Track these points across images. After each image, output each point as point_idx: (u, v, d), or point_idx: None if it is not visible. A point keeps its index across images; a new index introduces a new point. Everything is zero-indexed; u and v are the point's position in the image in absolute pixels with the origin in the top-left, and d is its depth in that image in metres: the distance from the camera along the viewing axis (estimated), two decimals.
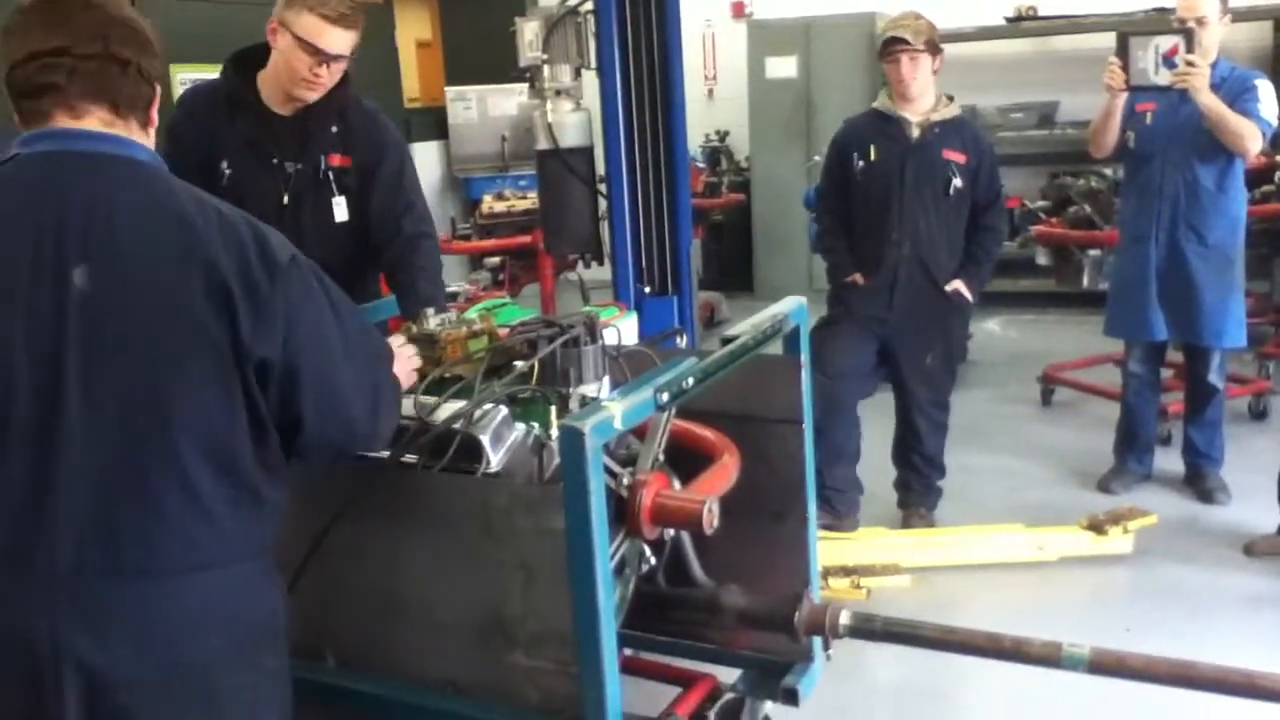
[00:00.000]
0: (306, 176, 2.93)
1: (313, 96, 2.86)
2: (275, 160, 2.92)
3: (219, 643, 1.59)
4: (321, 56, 2.76)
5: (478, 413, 2.01)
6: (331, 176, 2.95)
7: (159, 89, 1.69)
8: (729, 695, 2.41)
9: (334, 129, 2.96)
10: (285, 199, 2.91)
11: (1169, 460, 4.66)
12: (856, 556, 3.90)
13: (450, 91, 8.51)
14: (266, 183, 2.91)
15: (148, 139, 1.67)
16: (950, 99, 4.13)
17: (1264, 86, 4.10)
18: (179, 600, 1.56)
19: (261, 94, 2.92)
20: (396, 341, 2.14)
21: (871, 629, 2.23)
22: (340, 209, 2.96)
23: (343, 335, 1.67)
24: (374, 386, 1.75)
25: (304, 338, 1.59)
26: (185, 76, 5.92)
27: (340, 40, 2.78)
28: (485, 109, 8.39)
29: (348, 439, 1.74)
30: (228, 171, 2.87)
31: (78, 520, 1.50)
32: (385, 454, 1.97)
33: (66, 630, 1.50)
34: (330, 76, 2.82)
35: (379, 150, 3.01)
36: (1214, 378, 4.38)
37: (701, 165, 8.45)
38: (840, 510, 4.14)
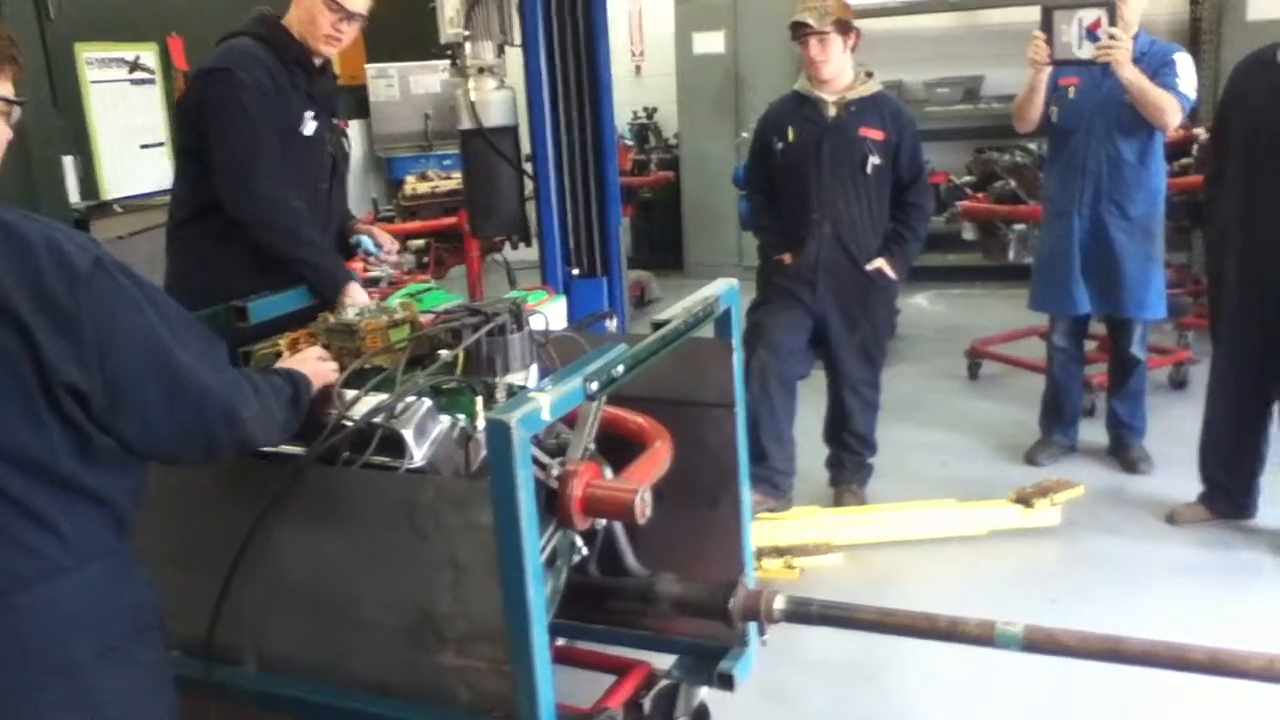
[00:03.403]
0: (337, 129, 3.20)
1: (331, 51, 3.08)
2: (323, 114, 3.13)
3: (85, 644, 1.56)
4: (344, 13, 3.00)
5: (400, 405, 1.95)
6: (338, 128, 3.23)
7: None
8: (664, 682, 2.40)
9: (332, 83, 3.26)
10: (332, 148, 3.16)
11: (1094, 432, 4.73)
12: (789, 536, 3.90)
13: (371, 69, 8.32)
14: (327, 134, 3.13)
15: None
16: (869, 75, 4.13)
17: (1183, 60, 4.15)
18: (33, 612, 1.51)
19: None
20: (311, 350, 2.11)
21: (807, 613, 2.22)
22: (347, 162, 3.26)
23: (168, 328, 1.59)
24: (217, 375, 1.66)
25: (124, 340, 1.52)
26: (92, 56, 5.71)
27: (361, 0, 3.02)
28: (407, 87, 8.23)
29: (207, 435, 1.65)
30: (313, 123, 3.06)
31: None
32: (301, 450, 1.91)
33: None
34: (348, 35, 3.05)
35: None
36: (1136, 349, 4.45)
37: (630, 143, 8.39)
38: (782, 490, 4.14)
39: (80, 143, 5.66)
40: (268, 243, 2.94)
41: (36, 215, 1.56)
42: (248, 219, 2.94)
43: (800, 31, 3.95)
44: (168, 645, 1.72)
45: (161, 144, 6.12)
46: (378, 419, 1.92)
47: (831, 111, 4.03)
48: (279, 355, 2.27)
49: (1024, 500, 4.03)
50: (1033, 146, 6.21)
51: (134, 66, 6.01)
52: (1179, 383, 5.47)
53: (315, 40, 3.04)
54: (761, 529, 3.80)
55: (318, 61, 3.12)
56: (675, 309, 2.26)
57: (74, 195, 5.58)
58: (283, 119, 2.99)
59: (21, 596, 1.50)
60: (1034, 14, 4.27)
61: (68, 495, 1.53)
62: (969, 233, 6.40)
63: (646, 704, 2.35)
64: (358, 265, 3.39)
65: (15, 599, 1.50)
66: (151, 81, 6.15)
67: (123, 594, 1.62)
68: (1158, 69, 4.10)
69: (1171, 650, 2.08)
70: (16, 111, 1.61)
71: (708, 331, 2.38)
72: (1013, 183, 6.10)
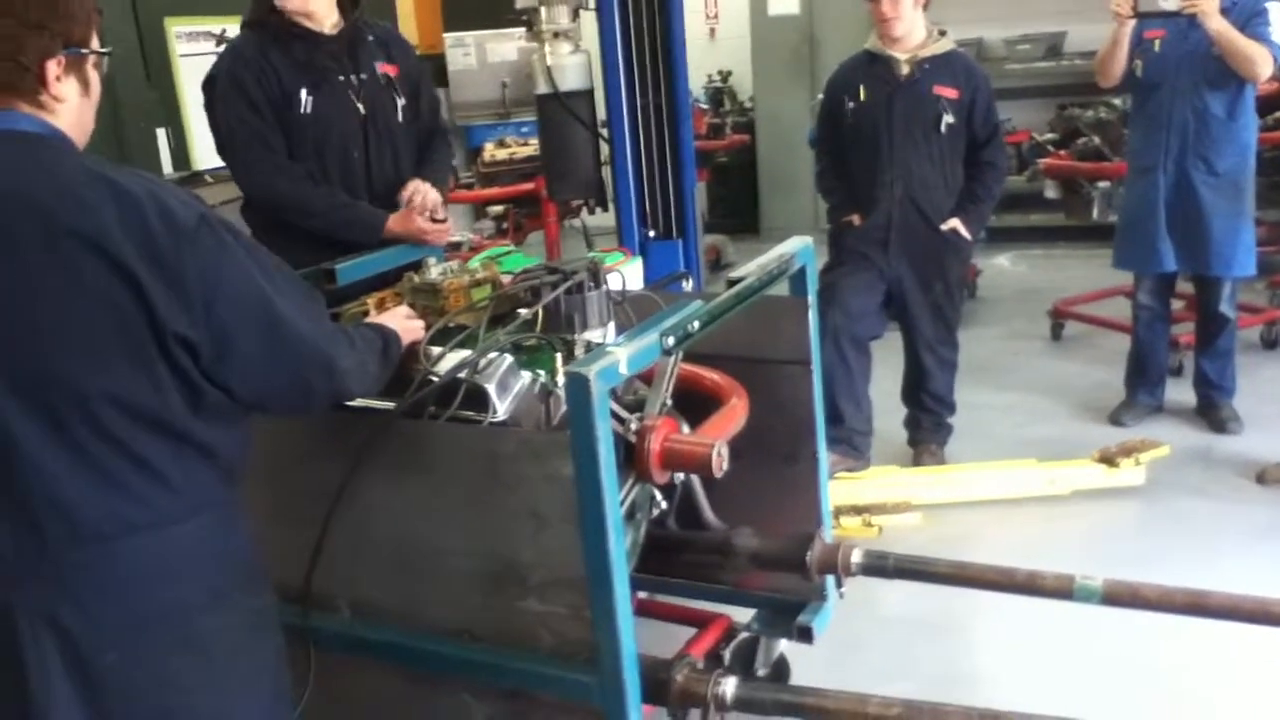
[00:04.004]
0: (371, 86, 3.10)
1: (294, 3, 2.98)
2: (341, 77, 3.06)
3: (192, 590, 1.61)
4: None
5: (483, 361, 2.00)
6: (392, 81, 3.15)
7: (52, 51, 1.56)
8: (744, 634, 2.44)
9: (370, 38, 3.15)
10: (362, 109, 3.08)
11: (1181, 392, 4.64)
12: (867, 495, 3.91)
13: (448, 38, 8.37)
14: (343, 99, 3.06)
15: (41, 109, 1.57)
16: (943, 33, 4.07)
17: (1275, 10, 4.02)
18: (143, 557, 1.57)
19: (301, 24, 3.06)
20: (399, 309, 2.16)
21: (883, 566, 2.25)
22: (401, 112, 3.16)
23: (269, 281, 1.62)
24: (316, 326, 1.71)
25: (228, 292, 1.56)
26: (181, 30, 5.85)
27: None
28: (484, 55, 8.26)
29: (305, 385, 1.70)
30: (308, 98, 3.01)
31: (28, 499, 1.52)
32: (391, 404, 1.97)
33: (38, 600, 1.53)
34: None
35: (413, 56, 3.32)
36: (1224, 307, 4.35)
37: (705, 106, 8.34)
38: (860, 450, 4.15)
39: (171, 115, 5.81)
40: (292, 221, 3.06)
41: (142, 172, 1.61)
42: (261, 208, 3.10)
43: None
44: (272, 593, 1.79)
45: None
46: (462, 374, 1.98)
47: (904, 70, 3.99)
48: (366, 314, 2.35)
49: (1107, 460, 3.98)
50: (1117, 102, 6.06)
51: (220, 39, 6.15)
52: (1271, 342, 5.34)
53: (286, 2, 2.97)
54: (839, 488, 3.81)
55: (323, 24, 3.05)
56: (750, 266, 2.28)
57: (167, 166, 5.75)
58: (274, 101, 2.99)
59: (132, 542, 1.57)
60: None
61: (179, 446, 1.58)
62: (1051, 191, 6.27)
63: (726, 655, 2.39)
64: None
65: (126, 544, 1.56)
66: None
67: (230, 542, 1.68)
68: (1248, 20, 3.98)
69: (1256, 604, 2.06)
70: (105, 62, 1.67)
71: (783, 289, 2.40)
72: (1096, 139, 5.96)
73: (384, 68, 3.15)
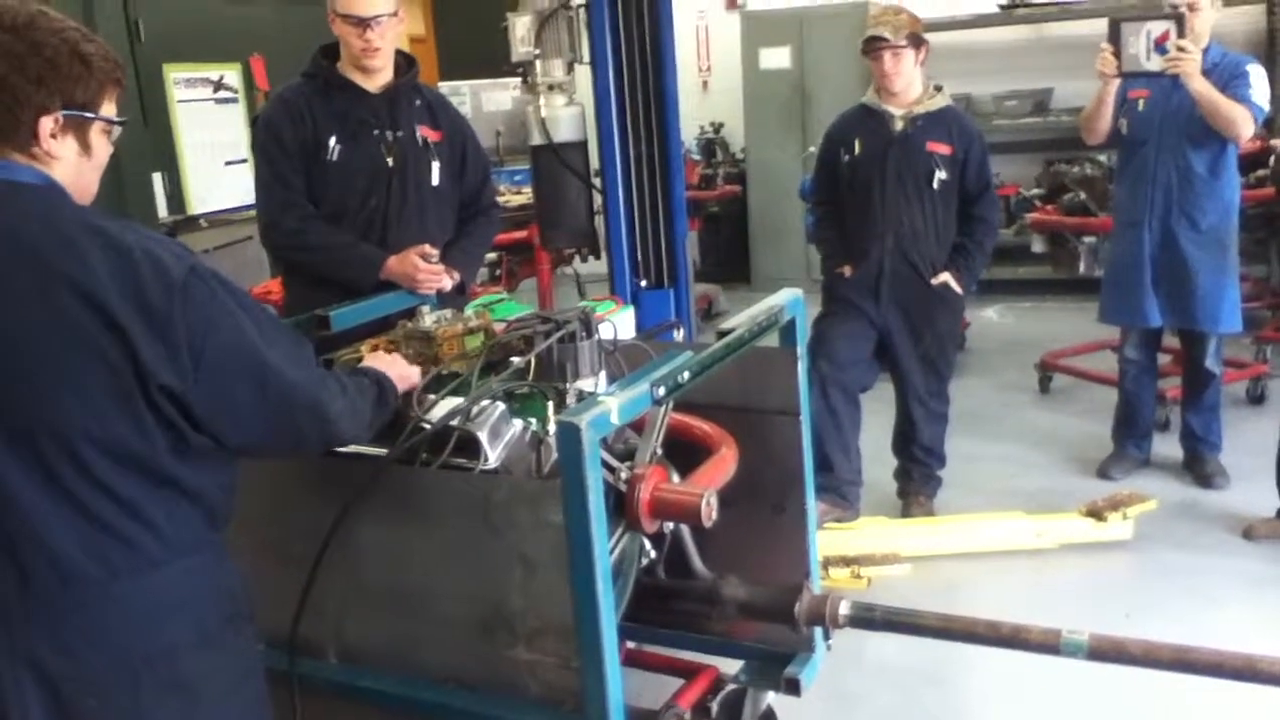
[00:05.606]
0: (406, 144, 3.21)
1: (376, 63, 3.13)
2: (376, 131, 3.16)
3: (181, 632, 1.62)
4: (360, 21, 3.04)
5: (475, 409, 2.02)
6: (429, 144, 3.24)
7: (49, 108, 1.57)
8: (731, 686, 2.43)
9: (418, 102, 3.27)
10: (391, 162, 3.17)
11: (1168, 445, 4.67)
12: (856, 546, 3.91)
13: (444, 86, 8.49)
14: (372, 151, 3.17)
15: (39, 161, 1.59)
16: (939, 89, 4.14)
17: (1255, 71, 4.10)
18: (131, 601, 1.59)
19: (350, 78, 3.18)
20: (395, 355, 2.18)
21: (871, 618, 2.24)
22: (437, 174, 3.26)
23: (258, 330, 1.64)
24: (304, 373, 1.71)
25: (216, 342, 1.57)
26: (179, 76, 5.93)
27: (368, 3, 3.04)
28: (480, 103, 8.37)
29: (296, 432, 1.71)
30: (336, 147, 3.14)
31: (14, 541, 1.54)
32: (383, 450, 1.98)
33: (22, 642, 1.54)
34: (379, 38, 3.08)
35: (462, 126, 3.41)
36: (1210, 363, 4.39)
37: (697, 157, 8.44)
38: (849, 500, 4.16)
39: (168, 159, 5.87)
40: (297, 263, 3.22)
41: (133, 224, 1.63)
42: (268, 240, 3.26)
43: (874, 45, 3.98)
44: (256, 636, 1.80)
45: (244, 160, 6.33)
46: (454, 421, 1.99)
47: (899, 125, 4.05)
48: (360, 361, 2.36)
49: (1095, 513, 3.99)
50: (1102, 158, 6.15)
51: (218, 86, 6.22)
52: (1257, 397, 5.37)
53: (358, 59, 3.11)
54: (828, 538, 3.81)
55: (372, 82, 3.17)
56: (741, 318, 2.31)
57: (162, 210, 5.79)
58: (304, 145, 3.12)
59: (119, 586, 1.58)
60: (1102, 26, 4.26)
61: (165, 491, 1.60)
62: (1038, 245, 6.36)
63: (714, 707, 2.38)
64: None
65: (113, 588, 1.57)
66: (235, 100, 6.36)
67: (216, 584, 1.69)
68: (1229, 80, 4.06)
69: (1243, 661, 2.06)
70: (117, 131, 1.69)
71: (773, 340, 2.42)
72: (1082, 194, 6.04)
73: (424, 130, 3.24)
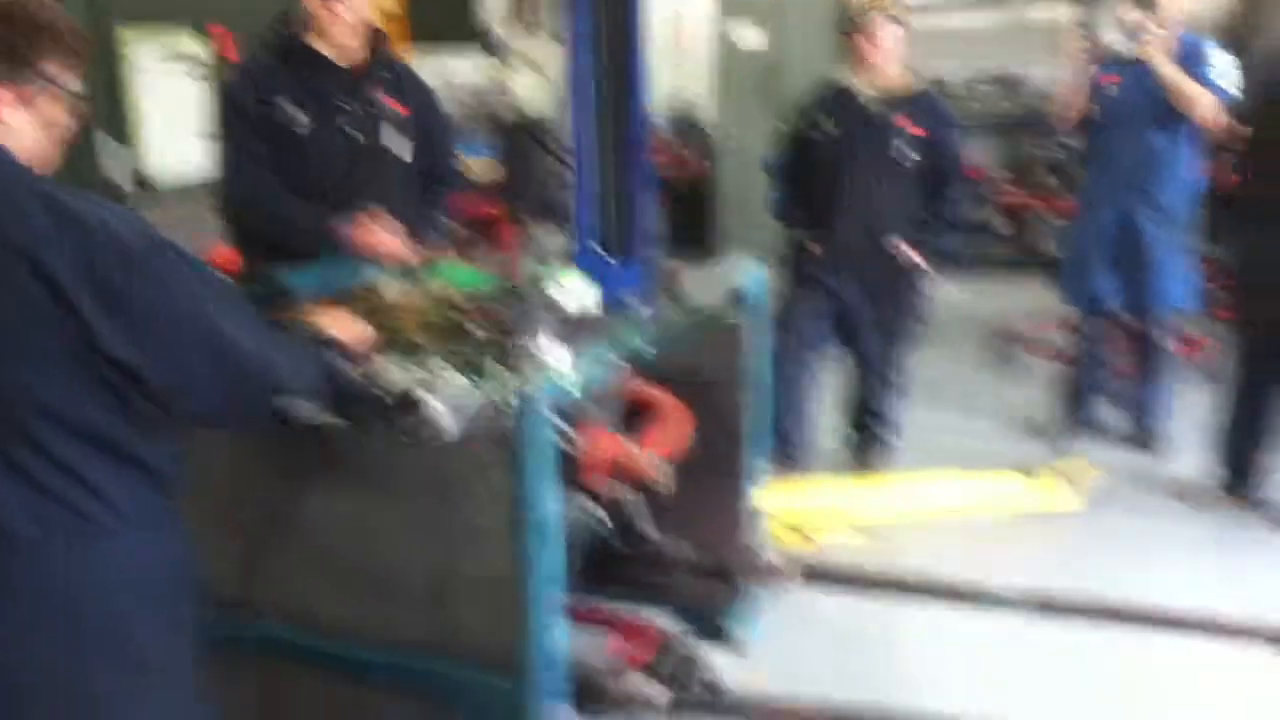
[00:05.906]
0: (374, 118, 3.17)
1: (341, 32, 3.07)
2: (343, 105, 3.13)
3: (132, 601, 1.62)
4: None
5: (430, 376, 2.05)
6: (398, 118, 3.21)
7: (8, 74, 1.58)
8: (677, 643, 2.49)
9: (386, 75, 3.23)
10: (362, 139, 3.14)
11: (1118, 417, 4.80)
12: (805, 507, 3.99)
13: (414, 58, 8.47)
14: (340, 125, 3.12)
15: None
16: (913, 72, 4.18)
17: (1217, 54, 4.16)
18: (82, 570, 1.58)
19: (317, 49, 3.13)
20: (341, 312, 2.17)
21: (815, 574, 2.32)
22: (406, 150, 3.23)
23: (213, 301, 1.63)
24: (264, 346, 1.71)
25: (172, 315, 1.57)
26: (133, 40, 5.81)
27: None
28: (449, 74, 8.35)
29: (252, 403, 1.72)
30: (303, 119, 3.08)
31: None
32: (337, 419, 2.01)
33: None
34: (347, 10, 3.05)
35: (429, 99, 3.37)
36: (1161, 338, 4.50)
37: (667, 134, 8.46)
38: (801, 465, 4.25)
39: (122, 126, 5.76)
40: (256, 232, 3.16)
41: (88, 194, 1.59)
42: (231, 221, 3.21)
43: (868, 19, 4.00)
44: (208, 604, 1.79)
45: (205, 131, 6.27)
46: (409, 389, 2.03)
47: (871, 105, 4.09)
48: (309, 320, 2.36)
49: (1045, 480, 4.11)
50: (1072, 142, 6.22)
51: (176, 53, 6.13)
52: (1204, 371, 5.48)
53: (325, 28, 3.07)
54: (776, 500, 3.88)
55: (341, 55, 3.12)
56: (700, 289, 2.36)
57: (118, 178, 5.71)
58: (270, 117, 3.07)
59: (72, 556, 1.57)
60: (1073, 11, 4.30)
61: (117, 461, 1.59)
62: (1004, 226, 6.43)
63: (660, 663, 2.45)
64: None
65: (66, 559, 1.57)
66: (193, 68, 6.25)
67: (168, 554, 1.69)
68: (1194, 64, 4.12)
69: (1163, 613, 2.18)
70: (78, 101, 1.68)
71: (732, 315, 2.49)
72: (1050, 177, 6.12)
73: (393, 104, 3.21)
